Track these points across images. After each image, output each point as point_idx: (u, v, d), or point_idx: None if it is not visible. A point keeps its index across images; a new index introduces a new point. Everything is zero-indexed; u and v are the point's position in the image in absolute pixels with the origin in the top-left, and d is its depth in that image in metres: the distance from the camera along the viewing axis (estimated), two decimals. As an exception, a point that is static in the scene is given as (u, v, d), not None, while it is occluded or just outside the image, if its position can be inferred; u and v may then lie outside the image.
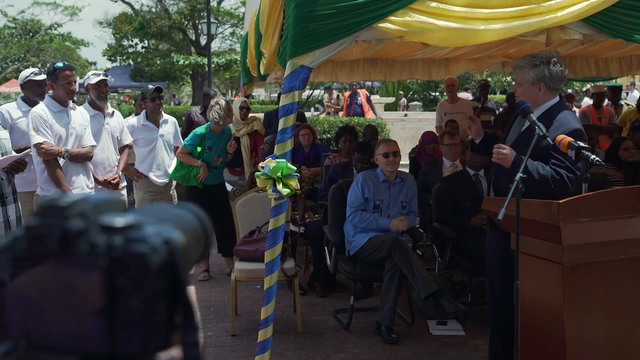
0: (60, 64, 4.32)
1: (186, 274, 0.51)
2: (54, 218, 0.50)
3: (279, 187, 3.23)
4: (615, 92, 9.59)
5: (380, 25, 3.17)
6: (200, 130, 5.61)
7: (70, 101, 4.41)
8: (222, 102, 5.56)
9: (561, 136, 2.93)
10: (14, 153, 3.79)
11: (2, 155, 3.57)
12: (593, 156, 2.85)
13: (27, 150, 3.92)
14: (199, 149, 5.50)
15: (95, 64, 31.85)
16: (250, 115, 6.67)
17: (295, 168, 3.34)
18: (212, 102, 5.64)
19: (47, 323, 0.50)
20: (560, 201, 2.73)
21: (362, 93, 13.37)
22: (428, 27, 3.16)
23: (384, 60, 7.07)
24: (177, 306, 0.51)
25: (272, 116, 7.43)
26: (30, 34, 27.86)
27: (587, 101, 13.82)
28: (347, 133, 6.44)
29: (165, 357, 0.52)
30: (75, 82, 4.36)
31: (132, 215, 0.52)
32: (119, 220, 0.50)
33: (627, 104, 10.98)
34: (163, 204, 0.64)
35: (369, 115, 12.59)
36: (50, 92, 4.38)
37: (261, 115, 8.72)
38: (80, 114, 4.48)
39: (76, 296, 0.49)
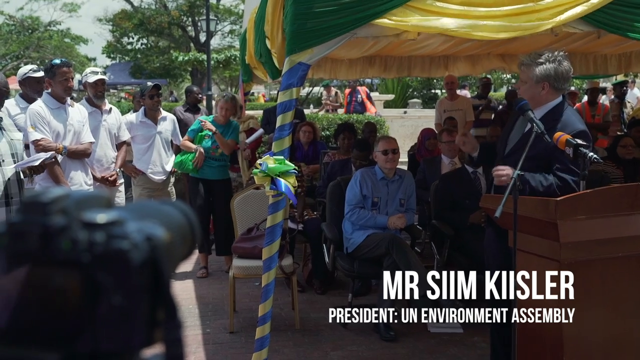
0: (57, 61, 4.32)
1: (169, 271, 0.51)
2: (36, 214, 0.49)
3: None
4: (621, 88, 9.57)
5: (378, 21, 3.16)
6: (204, 117, 5.74)
7: (69, 98, 4.41)
8: (219, 97, 5.69)
9: (559, 133, 2.91)
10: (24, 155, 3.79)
11: (13, 155, 3.57)
12: (591, 154, 2.83)
13: (50, 153, 3.92)
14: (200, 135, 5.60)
15: (94, 59, 31.83)
16: (247, 113, 6.68)
17: (293, 165, 3.34)
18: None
19: (29, 319, 0.49)
20: (558, 199, 2.73)
21: (362, 90, 13.37)
22: (426, 23, 3.16)
23: (382, 57, 7.06)
24: (160, 303, 0.50)
25: (270, 113, 7.41)
26: (29, 31, 27.79)
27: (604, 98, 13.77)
28: (345, 130, 6.43)
29: (148, 354, 0.51)
30: (72, 78, 4.36)
31: (115, 212, 0.51)
32: (101, 217, 0.50)
33: (628, 102, 10.97)
34: (149, 200, 0.64)
35: (372, 111, 12.59)
36: (49, 89, 4.38)
37: (259, 112, 8.71)
38: (78, 111, 4.48)
39: (58, 292, 0.49)
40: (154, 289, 0.50)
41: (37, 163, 3.67)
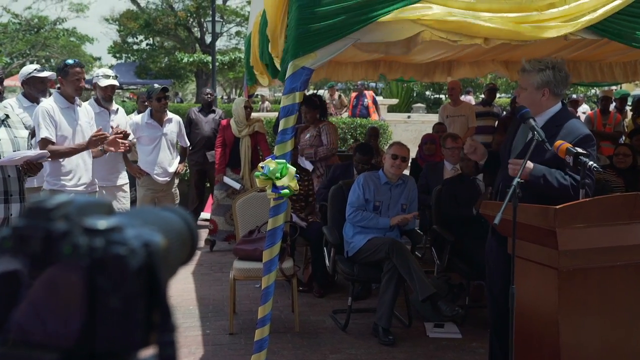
0: (70, 61, 4.38)
1: (165, 276, 0.53)
2: (39, 219, 0.52)
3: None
4: (622, 101, 9.57)
5: (382, 19, 3.16)
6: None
7: (77, 97, 4.44)
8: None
9: (559, 142, 2.93)
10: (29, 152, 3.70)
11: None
12: (591, 162, 2.84)
13: (42, 152, 3.88)
14: None
15: (100, 59, 31.93)
16: (253, 115, 6.71)
17: (295, 169, 3.36)
18: None
19: (32, 319, 0.52)
20: (557, 207, 2.74)
21: (369, 94, 13.41)
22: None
23: (386, 61, 7.07)
24: (155, 306, 0.53)
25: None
26: (35, 30, 27.88)
27: (585, 108, 13.76)
28: (304, 105, 5.91)
29: (143, 355, 0.54)
30: (84, 79, 4.40)
31: (115, 218, 0.54)
32: (101, 223, 0.52)
33: (629, 110, 10.96)
34: (151, 206, 0.66)
35: (375, 117, 12.64)
36: (56, 87, 4.42)
37: (263, 115, 8.71)
38: (85, 111, 4.52)
39: (58, 294, 0.51)
40: (150, 293, 0.52)
41: (20, 159, 3.56)
